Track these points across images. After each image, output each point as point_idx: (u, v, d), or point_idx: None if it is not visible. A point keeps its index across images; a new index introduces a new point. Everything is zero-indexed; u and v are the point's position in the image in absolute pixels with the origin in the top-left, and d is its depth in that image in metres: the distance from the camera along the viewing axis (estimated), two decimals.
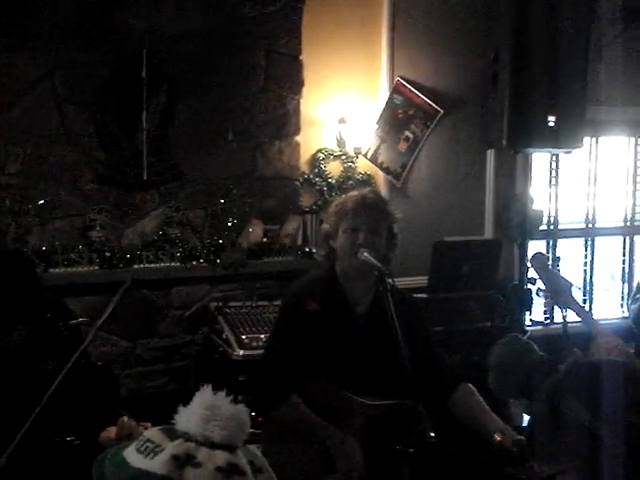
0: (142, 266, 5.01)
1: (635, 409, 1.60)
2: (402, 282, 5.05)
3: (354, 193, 3.49)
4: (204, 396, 1.64)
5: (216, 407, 1.62)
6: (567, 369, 1.66)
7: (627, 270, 6.78)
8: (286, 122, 5.45)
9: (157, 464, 1.57)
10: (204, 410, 1.61)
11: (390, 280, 3.21)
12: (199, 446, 1.58)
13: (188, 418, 1.62)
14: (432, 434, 3.21)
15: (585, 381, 1.63)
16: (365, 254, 3.25)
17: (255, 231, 5.29)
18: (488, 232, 6.07)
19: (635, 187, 6.75)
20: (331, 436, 3.18)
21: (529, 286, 5.46)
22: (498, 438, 3.21)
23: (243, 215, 5.29)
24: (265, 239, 5.32)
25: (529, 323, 5.91)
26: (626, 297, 6.64)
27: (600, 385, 1.62)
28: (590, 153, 6.52)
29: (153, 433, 1.66)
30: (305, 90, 5.49)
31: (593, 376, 1.64)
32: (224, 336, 4.82)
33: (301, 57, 5.45)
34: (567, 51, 5.21)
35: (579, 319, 3.73)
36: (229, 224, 5.23)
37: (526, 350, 3.26)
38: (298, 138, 5.51)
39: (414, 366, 3.10)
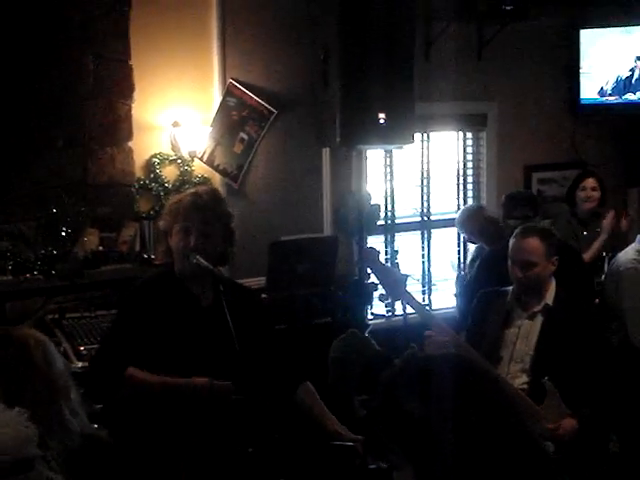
0: None
1: (467, 401, 1.64)
2: (244, 283, 5.08)
3: (190, 192, 3.51)
4: None
5: None
6: (402, 364, 1.69)
7: (462, 260, 7.00)
8: (118, 128, 5.35)
9: None
10: None
11: (223, 280, 3.27)
12: None
13: None
14: (275, 431, 3.26)
15: (419, 375, 1.67)
16: (197, 257, 3.27)
17: (90, 239, 5.16)
18: (327, 229, 6.14)
19: (465, 179, 6.98)
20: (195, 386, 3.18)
21: (369, 281, 5.58)
22: (336, 437, 3.28)
23: (77, 224, 5.14)
24: (101, 247, 5.20)
25: (371, 317, 6.02)
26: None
27: (432, 379, 1.66)
28: (422, 148, 6.70)
29: None
30: (137, 95, 5.41)
31: (426, 370, 1.67)
32: (62, 349, 4.67)
33: (131, 62, 5.36)
34: (394, 49, 5.34)
35: (414, 311, 3.83)
36: (63, 233, 5.08)
37: (363, 345, 3.32)
38: (131, 143, 5.42)
39: (255, 363, 3.14)
